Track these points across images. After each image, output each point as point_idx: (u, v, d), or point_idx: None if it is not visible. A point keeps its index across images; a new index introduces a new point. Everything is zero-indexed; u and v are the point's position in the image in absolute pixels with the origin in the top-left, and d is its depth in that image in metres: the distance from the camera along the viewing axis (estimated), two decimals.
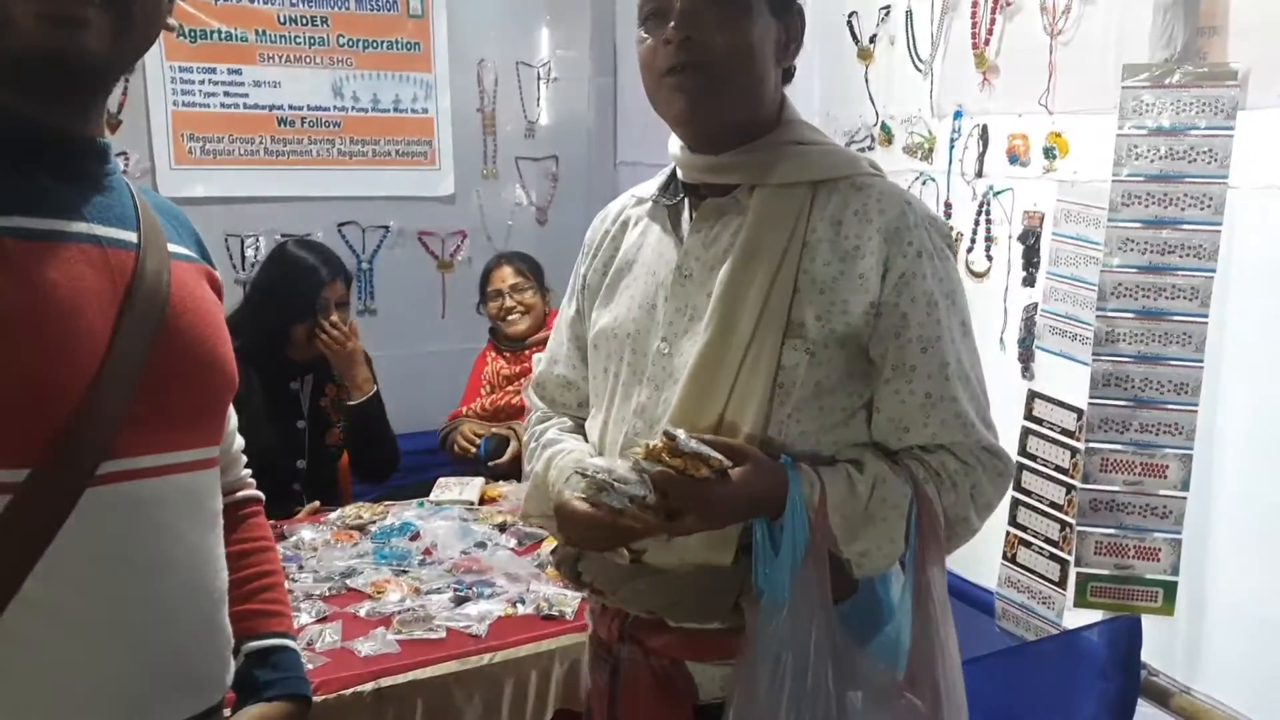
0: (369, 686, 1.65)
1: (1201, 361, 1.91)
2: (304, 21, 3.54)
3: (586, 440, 1.41)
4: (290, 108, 3.56)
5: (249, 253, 3.55)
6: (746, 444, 1.21)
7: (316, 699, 1.56)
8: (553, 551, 1.47)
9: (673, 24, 1.19)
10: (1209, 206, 1.88)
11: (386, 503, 2.44)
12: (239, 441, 1.29)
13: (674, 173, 1.37)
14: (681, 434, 1.14)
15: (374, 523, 2.28)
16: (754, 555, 1.20)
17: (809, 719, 1.13)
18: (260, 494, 1.32)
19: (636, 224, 1.40)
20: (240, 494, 1.28)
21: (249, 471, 1.32)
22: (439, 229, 3.82)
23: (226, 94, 3.48)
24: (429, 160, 3.74)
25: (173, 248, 1.09)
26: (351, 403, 2.66)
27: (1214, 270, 1.88)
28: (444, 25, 3.71)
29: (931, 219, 1.28)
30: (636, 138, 3.75)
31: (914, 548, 1.22)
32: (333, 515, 2.32)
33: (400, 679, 1.68)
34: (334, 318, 2.61)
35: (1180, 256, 1.91)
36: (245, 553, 1.23)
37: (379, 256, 3.76)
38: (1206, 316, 1.89)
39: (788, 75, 1.33)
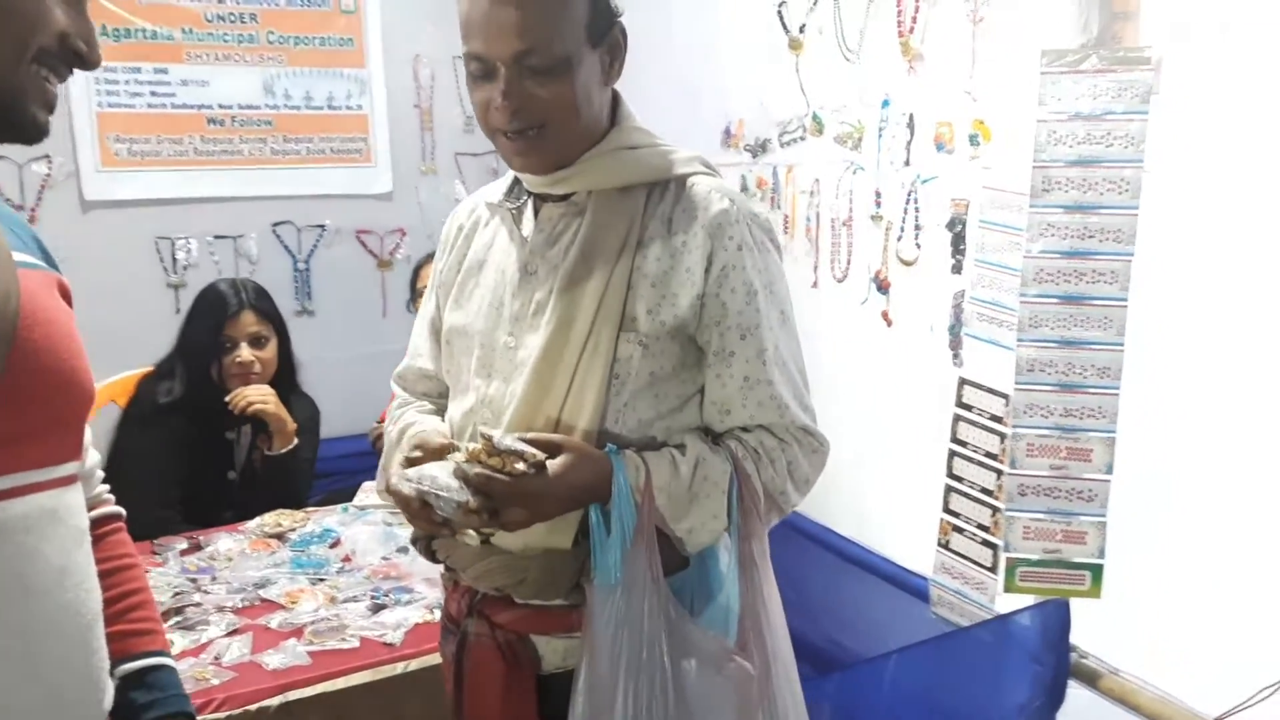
0: (275, 701, 1.61)
1: (1122, 345, 1.92)
2: (232, 19, 3.47)
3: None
4: (220, 106, 3.49)
5: (180, 255, 3.48)
6: (567, 437, 1.28)
7: (219, 715, 1.55)
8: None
9: (501, 90, 1.26)
10: (1126, 191, 1.89)
11: (309, 509, 2.38)
12: (94, 456, 1.25)
13: (517, 177, 1.43)
14: (497, 433, 1.22)
15: (294, 530, 2.23)
16: (591, 539, 1.28)
17: (646, 689, 1.22)
18: (121, 510, 1.28)
19: (487, 225, 1.46)
20: (97, 511, 1.23)
21: (106, 487, 1.28)
22: (377, 227, 3.77)
23: (153, 94, 3.41)
24: (364, 157, 3.69)
25: (18, 256, 1.04)
26: (270, 453, 2.54)
27: (1132, 254, 1.90)
28: (377, 20, 3.66)
29: (753, 215, 1.37)
30: None
31: (737, 521, 1.32)
32: (251, 524, 2.27)
33: (308, 692, 1.64)
34: (243, 353, 2.49)
35: (1100, 241, 1.92)
36: (108, 572, 1.18)
37: (315, 256, 3.70)
38: (1126, 300, 1.91)
39: (618, 73, 1.38)
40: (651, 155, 1.37)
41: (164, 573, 2.03)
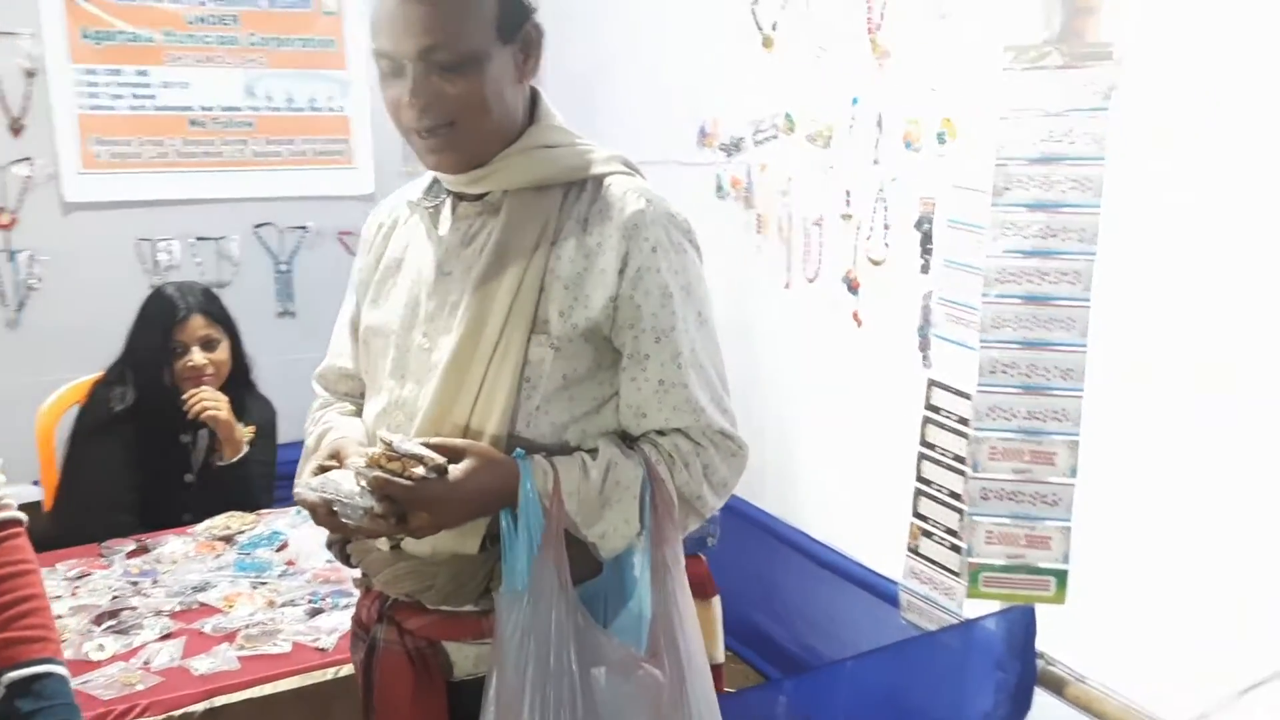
0: (200, 707, 1.59)
1: (1085, 346, 1.89)
2: (213, 20, 3.47)
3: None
4: (201, 109, 3.49)
5: (161, 257, 3.49)
6: (472, 442, 1.26)
7: None
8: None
9: (409, 88, 1.24)
10: (1089, 189, 1.86)
11: (262, 511, 2.36)
12: None
13: (436, 176, 1.41)
14: (397, 438, 1.21)
15: (243, 532, 2.21)
16: (501, 545, 1.26)
17: (554, 697, 1.20)
18: (19, 515, 1.26)
19: (406, 223, 1.44)
20: None
21: (4, 493, 1.26)
22: (359, 229, 3.71)
23: (135, 96, 3.40)
24: (346, 159, 3.67)
25: None
26: (220, 463, 2.48)
27: (1094, 253, 1.86)
28: (358, 22, 3.63)
29: (670, 215, 1.34)
30: None
31: (650, 526, 1.29)
32: (200, 526, 2.25)
33: (234, 697, 1.62)
34: (195, 358, 2.46)
35: (1063, 240, 1.89)
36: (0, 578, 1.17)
37: (298, 258, 3.69)
38: (1089, 300, 1.87)
39: (532, 70, 1.35)
40: (568, 154, 1.34)
41: (106, 575, 2.01)
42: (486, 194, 1.34)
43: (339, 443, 1.34)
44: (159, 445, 2.45)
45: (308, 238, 3.70)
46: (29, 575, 1.22)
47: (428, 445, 1.22)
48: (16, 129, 3.29)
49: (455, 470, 1.21)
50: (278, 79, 3.58)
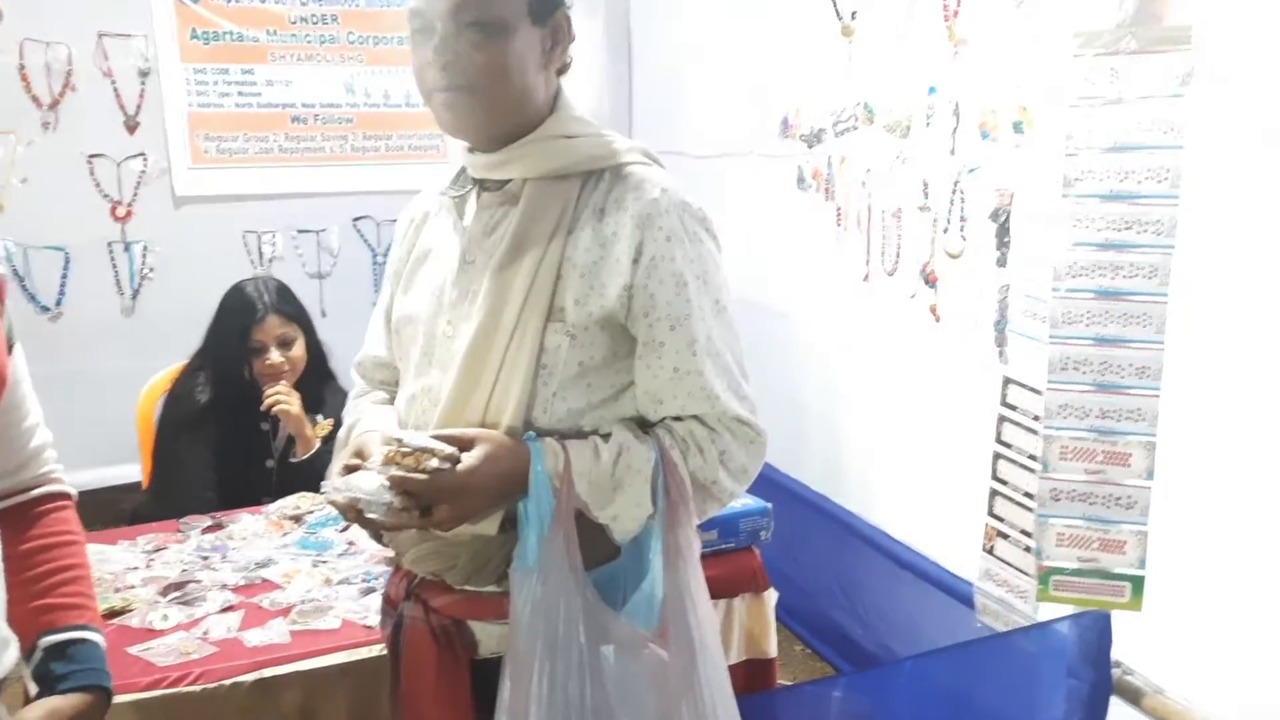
0: (250, 677, 1.64)
1: (1162, 343, 1.80)
2: (315, 20, 3.60)
3: None
4: (303, 105, 3.64)
5: (266, 248, 3.64)
6: (483, 430, 1.29)
7: (194, 688, 1.60)
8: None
9: (434, 45, 1.27)
10: (1165, 179, 1.77)
11: None
12: (40, 437, 1.30)
13: (464, 167, 1.45)
14: (407, 434, 1.25)
15: (312, 512, 2.28)
16: (519, 526, 1.29)
17: (563, 669, 1.24)
18: (69, 490, 1.33)
19: (437, 215, 1.48)
20: (40, 490, 1.29)
21: (56, 468, 1.33)
22: None
23: (240, 94, 3.57)
24: (440, 154, 3.76)
25: None
26: (293, 459, 2.55)
27: (1172, 246, 1.78)
28: None
29: (685, 205, 1.35)
30: (652, 126, 3.72)
31: (663, 510, 1.31)
32: (272, 506, 2.34)
33: (281, 670, 1.67)
34: (272, 357, 2.52)
35: (1138, 233, 1.81)
36: (45, 547, 1.24)
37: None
38: (1166, 296, 1.79)
39: (565, 68, 1.39)
40: (588, 144, 1.36)
41: (180, 550, 2.12)
42: (508, 182, 1.37)
43: (362, 440, 1.38)
44: (240, 433, 2.55)
45: None
46: (73, 546, 1.29)
47: (438, 437, 1.25)
48: (132, 127, 3.47)
49: (468, 459, 1.25)
50: (375, 76, 3.69)
